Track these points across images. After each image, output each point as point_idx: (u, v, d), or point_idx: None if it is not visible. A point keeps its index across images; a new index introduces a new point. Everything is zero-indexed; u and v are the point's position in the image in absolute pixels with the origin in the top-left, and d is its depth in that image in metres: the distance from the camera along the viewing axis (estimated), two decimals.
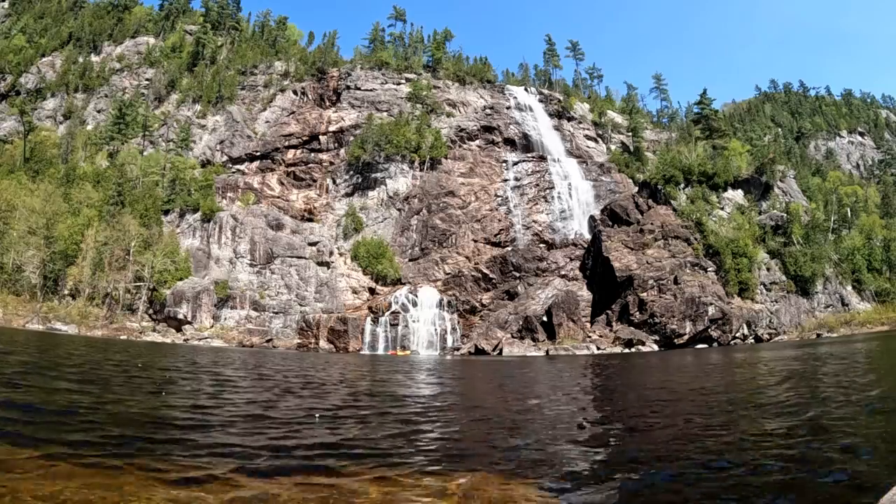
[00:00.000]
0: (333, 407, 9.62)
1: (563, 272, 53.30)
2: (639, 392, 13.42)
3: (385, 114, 68.79)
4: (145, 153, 62.56)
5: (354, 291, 55.03)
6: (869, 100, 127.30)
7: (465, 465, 5.16)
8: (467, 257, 57.16)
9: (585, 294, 49.71)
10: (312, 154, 66.82)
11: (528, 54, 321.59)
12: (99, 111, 71.92)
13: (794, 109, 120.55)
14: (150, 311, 47.57)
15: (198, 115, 69.07)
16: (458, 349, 48.36)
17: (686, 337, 42.34)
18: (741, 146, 59.62)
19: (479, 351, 45.73)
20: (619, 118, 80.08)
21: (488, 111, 71.66)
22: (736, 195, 55.02)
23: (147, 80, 75.37)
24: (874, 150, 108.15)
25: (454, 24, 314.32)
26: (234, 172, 63.91)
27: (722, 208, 53.68)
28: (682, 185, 54.48)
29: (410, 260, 57.21)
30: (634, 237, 49.94)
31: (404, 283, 54.86)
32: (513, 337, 46.42)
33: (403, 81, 73.88)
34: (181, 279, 48.51)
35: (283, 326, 50.29)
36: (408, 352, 46.55)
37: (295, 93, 72.28)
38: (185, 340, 43.31)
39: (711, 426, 7.38)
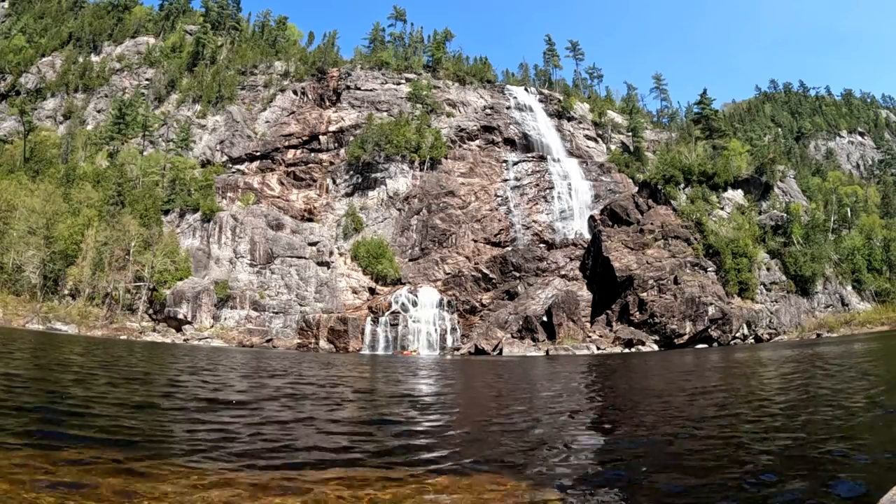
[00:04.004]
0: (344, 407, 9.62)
1: (563, 272, 53.29)
2: (639, 392, 13.42)
3: (385, 114, 68.81)
4: (145, 153, 62.56)
5: (354, 291, 55.04)
6: (869, 100, 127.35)
7: (467, 465, 5.16)
8: (467, 257, 57.17)
9: (585, 294, 49.70)
10: (312, 154, 66.85)
11: (528, 54, 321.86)
12: (99, 111, 71.95)
13: (794, 109, 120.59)
14: (150, 311, 47.57)
15: (198, 115, 69.09)
16: (458, 349, 48.36)
17: (686, 337, 42.35)
18: (741, 146, 59.63)
19: (479, 351, 45.72)
20: (619, 118, 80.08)
21: (488, 111, 71.69)
22: (736, 195, 55.02)
23: (147, 80, 75.39)
24: (874, 150, 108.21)
25: (454, 25, 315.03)
26: (234, 172, 63.93)
27: (722, 208, 53.69)
28: (682, 185, 54.48)
29: (410, 260, 57.22)
30: (634, 237, 49.95)
31: (404, 283, 54.87)
32: (513, 337, 46.41)
33: (403, 81, 73.89)
34: (181, 279, 48.51)
35: (283, 326, 50.30)
36: (415, 352, 46.65)
37: (295, 93, 72.31)
38: (184, 340, 43.33)
39: (711, 426, 7.37)
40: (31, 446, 4.87)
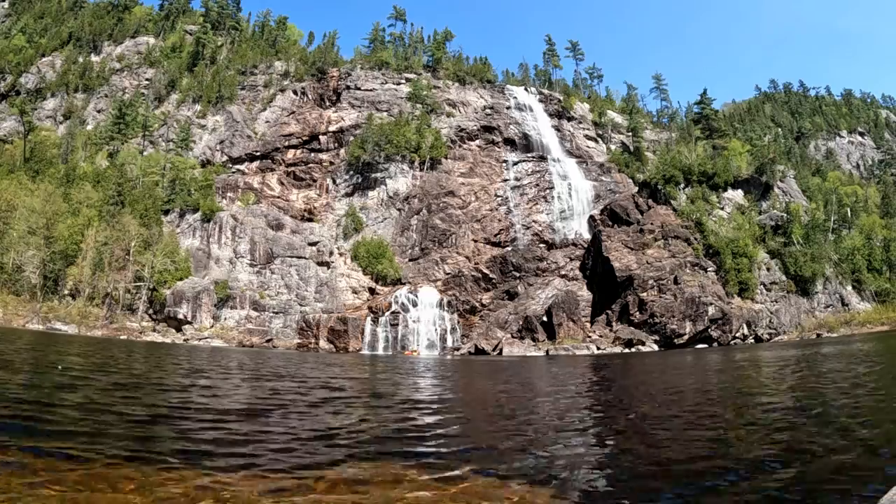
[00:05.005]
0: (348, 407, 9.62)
1: (563, 272, 53.30)
2: (638, 392, 13.42)
3: (385, 114, 68.79)
4: (145, 153, 62.54)
5: (354, 291, 55.02)
6: (869, 100, 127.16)
7: (467, 466, 5.16)
8: (467, 257, 57.16)
9: (585, 294, 49.72)
10: (312, 154, 66.81)
11: (528, 54, 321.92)
12: (99, 111, 71.90)
13: (794, 109, 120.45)
14: (150, 311, 47.56)
15: (198, 115, 69.06)
16: (458, 349, 48.36)
17: (686, 337, 42.35)
18: (741, 146, 59.63)
19: (479, 351, 45.72)
20: (619, 118, 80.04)
21: (488, 111, 71.65)
22: (736, 195, 55.02)
23: (147, 80, 75.34)
24: (874, 150, 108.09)
25: (454, 25, 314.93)
26: (234, 172, 63.89)
27: (722, 208, 53.69)
28: (682, 185, 54.49)
29: (410, 260, 57.20)
30: (634, 237, 49.95)
31: (404, 283, 54.86)
32: (513, 337, 46.42)
33: (403, 81, 73.87)
34: (181, 279, 48.49)
35: (283, 326, 50.28)
36: (415, 352, 46.76)
37: (295, 93, 72.28)
38: (184, 340, 43.31)
39: (711, 425, 7.37)
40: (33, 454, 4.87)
